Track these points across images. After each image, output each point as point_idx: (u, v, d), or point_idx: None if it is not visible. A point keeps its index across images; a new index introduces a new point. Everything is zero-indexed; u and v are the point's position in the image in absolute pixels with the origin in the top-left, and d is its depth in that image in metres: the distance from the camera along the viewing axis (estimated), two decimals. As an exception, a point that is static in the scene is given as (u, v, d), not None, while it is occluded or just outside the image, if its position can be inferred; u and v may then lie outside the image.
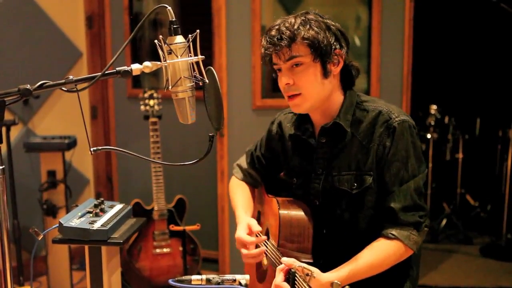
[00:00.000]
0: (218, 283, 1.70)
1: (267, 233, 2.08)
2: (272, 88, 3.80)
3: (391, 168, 1.84)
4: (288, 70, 1.85)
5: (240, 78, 3.66)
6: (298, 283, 1.62)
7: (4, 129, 3.17)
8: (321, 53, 1.81)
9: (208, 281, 1.70)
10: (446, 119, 4.94)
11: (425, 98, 4.94)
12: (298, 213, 1.95)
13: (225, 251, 3.83)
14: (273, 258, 1.94)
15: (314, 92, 1.85)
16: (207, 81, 1.47)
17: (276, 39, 1.82)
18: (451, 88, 5.39)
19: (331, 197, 1.93)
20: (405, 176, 1.84)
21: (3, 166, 1.46)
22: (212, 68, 1.48)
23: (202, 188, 4.15)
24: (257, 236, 2.00)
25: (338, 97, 1.93)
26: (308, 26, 1.82)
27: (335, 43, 1.84)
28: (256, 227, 2.00)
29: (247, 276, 1.75)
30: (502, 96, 5.15)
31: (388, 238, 1.81)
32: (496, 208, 4.92)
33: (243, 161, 2.31)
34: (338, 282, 1.45)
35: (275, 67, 1.89)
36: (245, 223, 2.04)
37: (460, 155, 4.95)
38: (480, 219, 5.09)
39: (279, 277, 1.71)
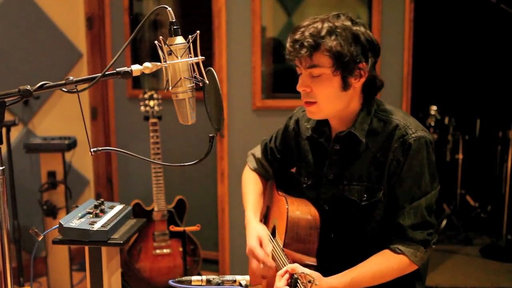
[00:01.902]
0: (218, 284, 1.70)
1: (273, 231, 2.08)
2: (272, 89, 3.80)
3: (403, 184, 1.81)
4: (307, 77, 1.81)
5: (240, 79, 3.67)
6: None
7: (4, 130, 3.18)
8: (342, 67, 1.75)
9: (208, 281, 1.70)
10: (446, 120, 4.94)
11: (425, 98, 4.94)
12: (306, 215, 1.94)
13: (225, 252, 3.83)
14: (277, 258, 1.94)
15: (330, 103, 1.82)
16: (207, 82, 1.47)
17: (298, 45, 1.76)
18: (451, 88, 5.39)
19: (340, 205, 1.92)
20: (417, 193, 1.81)
21: (3, 167, 1.46)
22: (212, 69, 1.48)
23: (202, 189, 4.15)
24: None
25: (357, 106, 1.88)
26: (333, 37, 1.74)
27: (359, 57, 1.76)
28: (266, 242, 1.99)
29: (247, 277, 1.75)
30: (502, 97, 5.15)
31: (394, 251, 1.81)
32: (496, 209, 4.92)
33: (257, 150, 2.30)
34: None
35: (297, 69, 1.85)
36: (256, 233, 2.03)
37: (460, 156, 4.95)
38: (480, 220, 5.09)
39: (282, 282, 1.71)
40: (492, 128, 5.10)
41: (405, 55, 3.56)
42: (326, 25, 1.76)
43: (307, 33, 1.76)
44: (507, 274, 4.22)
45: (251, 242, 2.02)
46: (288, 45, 1.81)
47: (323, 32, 1.74)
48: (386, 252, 1.82)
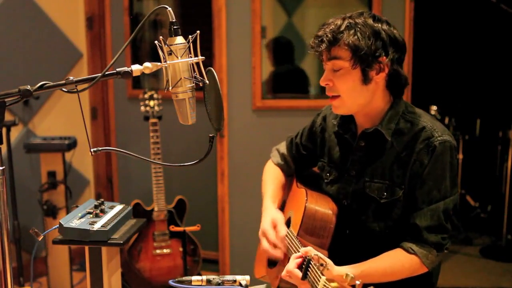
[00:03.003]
0: (218, 284, 1.70)
1: (288, 221, 2.09)
2: (272, 89, 3.80)
3: (424, 186, 1.82)
4: (329, 71, 1.86)
5: (240, 79, 3.66)
6: (312, 271, 1.62)
7: (4, 130, 3.18)
8: (361, 60, 1.79)
9: (209, 281, 1.69)
10: (446, 120, 4.93)
11: (425, 98, 4.92)
12: (323, 208, 1.96)
13: (225, 252, 3.83)
14: (290, 246, 1.94)
15: (352, 97, 1.85)
16: (207, 82, 1.47)
17: (318, 41, 1.84)
18: (451, 88, 5.39)
19: (359, 201, 1.93)
20: (436, 196, 1.82)
21: (3, 167, 1.46)
22: (212, 69, 1.48)
23: (202, 189, 4.15)
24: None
25: (382, 104, 1.90)
26: (352, 31, 1.79)
27: (380, 50, 1.79)
28: (281, 227, 2.00)
29: (247, 277, 1.75)
30: (502, 97, 5.15)
31: (407, 251, 1.82)
32: (496, 209, 4.93)
33: (282, 145, 2.32)
34: (351, 275, 1.43)
35: (323, 64, 1.90)
36: (270, 216, 2.04)
37: (460, 156, 4.95)
38: (480, 220, 5.09)
39: (292, 264, 1.72)
40: (492, 128, 5.10)
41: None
42: (346, 21, 1.82)
43: (327, 29, 1.82)
44: (507, 274, 4.22)
45: (265, 223, 2.03)
46: (311, 41, 1.89)
47: (343, 27, 1.80)
48: (398, 251, 1.83)
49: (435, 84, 5.37)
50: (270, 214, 2.06)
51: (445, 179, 1.82)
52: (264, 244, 2.00)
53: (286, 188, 2.29)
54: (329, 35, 1.81)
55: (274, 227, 2.01)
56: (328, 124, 2.12)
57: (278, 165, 2.30)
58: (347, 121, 2.01)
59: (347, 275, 1.43)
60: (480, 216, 5.12)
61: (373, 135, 1.90)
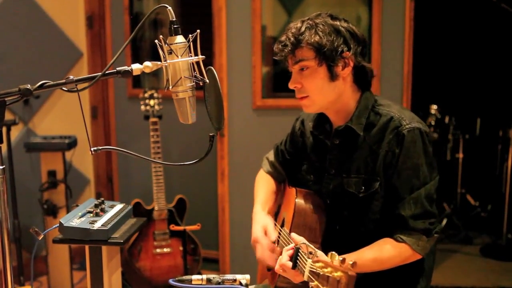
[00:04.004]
0: (219, 283, 1.70)
1: (283, 223, 2.11)
2: (272, 88, 3.80)
3: (401, 176, 1.84)
4: (296, 74, 1.90)
5: (240, 78, 3.67)
6: (301, 259, 1.63)
7: (4, 129, 3.18)
8: (325, 57, 1.83)
9: (209, 281, 1.70)
10: (447, 119, 4.94)
11: (425, 98, 4.93)
12: (313, 205, 1.99)
13: (226, 251, 3.83)
14: (284, 244, 1.95)
15: (321, 95, 1.89)
16: (207, 81, 1.48)
17: (281, 45, 1.88)
18: (451, 88, 5.39)
19: (339, 198, 1.96)
20: (416, 184, 1.83)
21: (4, 166, 1.46)
22: (212, 68, 1.48)
23: (202, 188, 4.15)
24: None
25: (352, 99, 1.94)
26: (313, 31, 1.84)
27: (342, 46, 1.84)
28: (271, 232, 2.03)
29: (247, 276, 1.75)
30: (503, 96, 5.15)
31: (395, 240, 1.83)
32: (496, 208, 4.93)
33: (271, 154, 2.37)
34: (337, 255, 1.43)
35: (288, 69, 1.94)
36: (260, 224, 2.08)
37: (461, 155, 4.95)
38: (481, 219, 5.09)
39: (284, 257, 1.73)
40: (492, 127, 5.10)
41: (405, 54, 3.56)
42: (306, 23, 1.87)
43: (289, 34, 1.87)
44: (507, 274, 4.22)
45: (256, 231, 2.06)
46: (274, 47, 1.93)
47: (303, 29, 1.85)
48: (387, 240, 1.85)
49: (436, 83, 5.38)
50: (260, 221, 2.10)
51: (421, 166, 1.84)
52: (259, 252, 2.03)
53: (280, 193, 2.32)
54: (292, 38, 1.85)
55: (265, 233, 2.04)
56: (306, 127, 2.16)
57: (268, 173, 2.34)
58: (322, 121, 2.05)
59: (332, 254, 1.43)
60: (480, 215, 5.12)
61: (346, 132, 1.93)
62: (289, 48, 1.86)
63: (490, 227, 4.92)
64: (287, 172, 2.31)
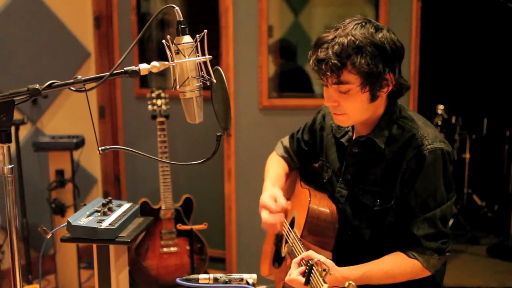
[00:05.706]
0: (226, 282, 1.71)
1: (292, 222, 2.09)
2: (279, 88, 3.80)
3: (418, 195, 1.80)
4: (334, 92, 1.79)
5: (247, 78, 3.67)
6: (314, 277, 1.61)
7: (13, 129, 3.20)
8: (371, 83, 1.74)
9: (216, 280, 1.70)
10: (453, 119, 4.92)
11: (432, 98, 4.92)
12: (327, 209, 1.95)
13: (232, 251, 3.84)
14: (294, 248, 1.94)
15: (359, 114, 1.82)
16: (214, 81, 1.48)
17: (323, 65, 1.72)
18: (458, 88, 5.38)
19: (353, 207, 1.93)
20: (432, 205, 1.80)
21: (12, 165, 1.47)
22: (219, 68, 1.49)
23: (209, 188, 4.16)
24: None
25: (380, 108, 1.87)
26: (360, 55, 1.69)
27: (386, 68, 1.74)
28: (281, 199, 2.01)
29: (254, 275, 1.76)
30: (510, 96, 5.13)
31: (407, 255, 1.82)
32: (503, 208, 4.91)
33: (285, 139, 2.32)
34: (353, 284, 1.44)
35: (322, 81, 1.82)
36: (269, 192, 2.05)
37: (467, 155, 4.94)
38: (487, 219, 5.08)
39: (295, 272, 1.71)
40: (499, 127, 5.08)
41: (412, 54, 3.56)
42: (350, 39, 1.71)
43: (330, 52, 1.71)
44: (514, 274, 4.21)
45: (264, 197, 2.03)
46: (311, 62, 1.78)
47: (349, 50, 1.70)
48: (400, 254, 1.83)
49: (443, 84, 5.36)
50: (269, 190, 2.07)
51: (439, 188, 1.81)
52: (264, 216, 2.00)
53: (290, 187, 2.29)
54: (335, 60, 1.70)
55: (275, 200, 2.01)
56: (326, 123, 2.11)
57: (282, 157, 2.30)
58: None
59: (349, 284, 1.44)
60: (487, 215, 5.10)
61: (367, 143, 1.89)
62: (333, 71, 1.71)
63: (497, 227, 4.90)
64: (299, 162, 2.27)
